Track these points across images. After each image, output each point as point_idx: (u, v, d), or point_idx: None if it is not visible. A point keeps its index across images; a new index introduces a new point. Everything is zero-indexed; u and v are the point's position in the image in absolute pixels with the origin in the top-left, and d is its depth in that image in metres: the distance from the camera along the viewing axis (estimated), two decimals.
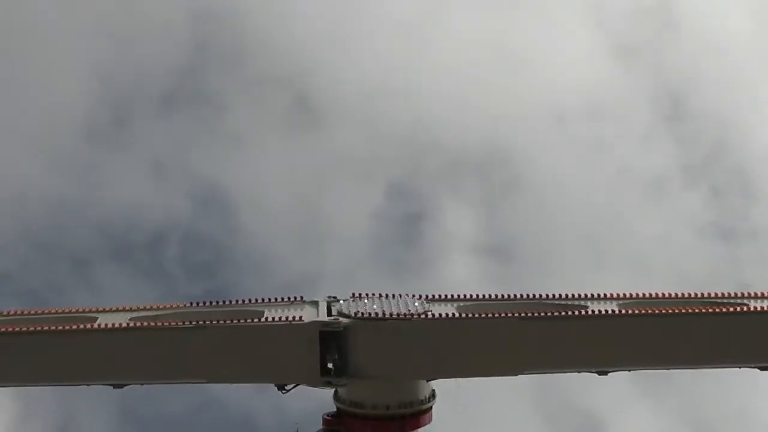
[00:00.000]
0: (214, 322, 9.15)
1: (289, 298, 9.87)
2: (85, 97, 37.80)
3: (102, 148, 38.67)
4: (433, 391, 10.60)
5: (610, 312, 8.27)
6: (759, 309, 8.18)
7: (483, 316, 8.72)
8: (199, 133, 38.26)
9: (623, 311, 8.33)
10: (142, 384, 9.58)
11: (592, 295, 8.56)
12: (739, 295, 8.26)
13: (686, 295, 8.50)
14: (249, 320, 9.36)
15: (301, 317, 9.57)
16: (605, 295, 8.51)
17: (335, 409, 11.09)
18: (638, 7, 44.24)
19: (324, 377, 9.71)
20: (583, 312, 8.34)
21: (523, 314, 8.53)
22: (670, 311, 8.33)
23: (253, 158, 39.26)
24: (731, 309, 8.12)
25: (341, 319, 9.64)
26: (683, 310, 8.28)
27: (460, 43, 42.23)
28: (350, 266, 39.06)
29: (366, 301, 10.09)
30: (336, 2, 41.91)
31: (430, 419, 10.65)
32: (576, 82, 40.97)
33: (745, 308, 8.22)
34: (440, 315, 9.18)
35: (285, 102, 39.82)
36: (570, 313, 8.39)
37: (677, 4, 45.54)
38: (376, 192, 36.63)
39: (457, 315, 9.13)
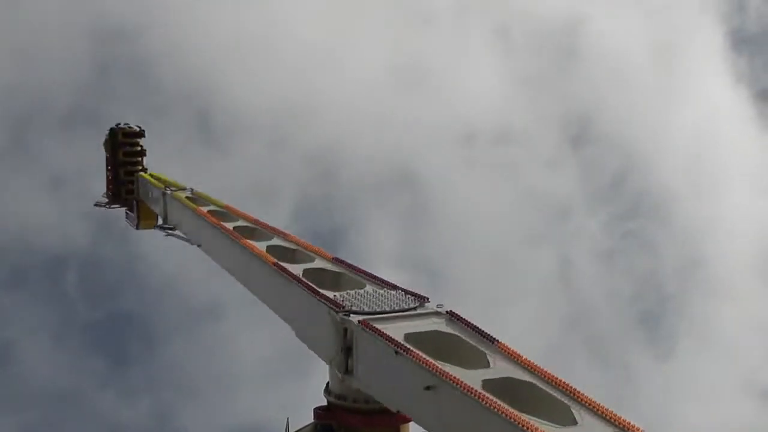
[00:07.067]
0: None
1: None
2: None
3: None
4: None
5: None
6: None
7: None
8: (99, 157, 37.18)
9: None
10: None
11: None
12: None
13: None
14: None
15: None
16: None
17: (326, 403, 11.08)
18: (543, 37, 44.67)
19: None
20: None
21: None
22: None
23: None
24: None
25: None
26: None
27: (370, 66, 42.07)
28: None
29: None
30: (241, 24, 41.39)
31: None
32: (484, 107, 40.95)
33: None
34: None
35: (188, 121, 39.14)
36: None
37: (582, 35, 45.99)
38: (284, 213, 36.24)
39: None
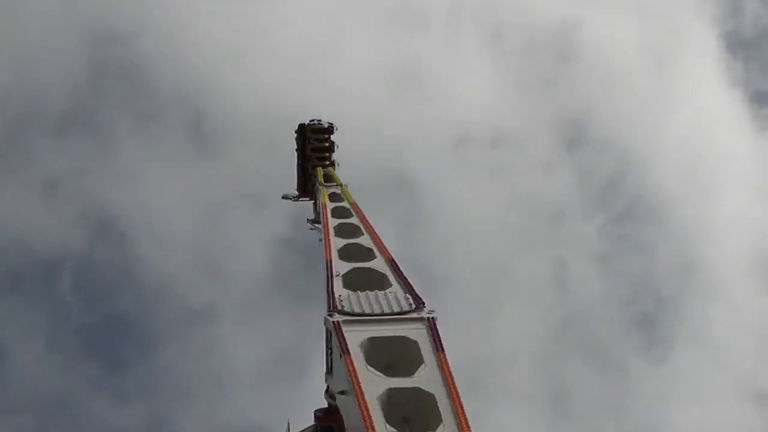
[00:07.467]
0: None
1: None
2: None
3: None
4: None
5: None
6: None
7: None
8: (93, 159, 37.19)
9: None
10: None
11: None
12: None
13: None
14: None
15: None
16: None
17: (326, 405, 11.00)
18: (538, 40, 42.24)
19: None
20: None
21: None
22: None
23: (149, 185, 38.10)
24: None
25: None
26: None
27: (364, 70, 40.49)
28: (252, 294, 37.38)
29: None
30: (231, 30, 40.56)
31: None
32: (479, 110, 38.62)
33: None
34: None
35: (181, 125, 38.48)
36: None
37: (577, 38, 42.94)
38: (278, 217, 35.18)
39: None
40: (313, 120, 21.70)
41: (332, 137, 21.56)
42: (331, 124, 21.61)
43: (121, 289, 37.78)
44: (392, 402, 8.17)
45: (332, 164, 21.17)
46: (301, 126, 21.47)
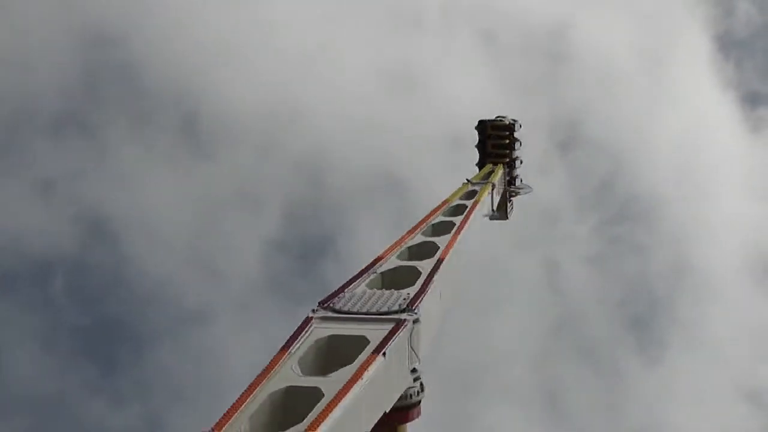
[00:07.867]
0: None
1: None
2: None
3: None
4: (422, 384, 10.34)
5: None
6: None
7: None
8: (88, 160, 35.96)
9: None
10: None
11: None
12: None
13: None
14: None
15: None
16: None
17: None
18: (531, 41, 38.96)
19: None
20: None
21: None
22: None
23: (145, 186, 36.30)
24: None
25: None
26: None
27: (358, 70, 37.67)
28: (248, 295, 35.11)
29: None
30: (226, 30, 38.26)
31: (419, 414, 10.38)
32: (472, 111, 35.53)
33: None
34: None
35: (175, 128, 36.56)
36: None
37: (570, 39, 38.68)
38: (273, 219, 33.27)
39: None
40: (498, 117, 21.65)
41: (515, 134, 21.44)
42: (514, 121, 21.50)
43: (116, 290, 38.73)
44: (291, 400, 8.19)
45: (512, 161, 21.08)
46: (482, 122, 21.49)
